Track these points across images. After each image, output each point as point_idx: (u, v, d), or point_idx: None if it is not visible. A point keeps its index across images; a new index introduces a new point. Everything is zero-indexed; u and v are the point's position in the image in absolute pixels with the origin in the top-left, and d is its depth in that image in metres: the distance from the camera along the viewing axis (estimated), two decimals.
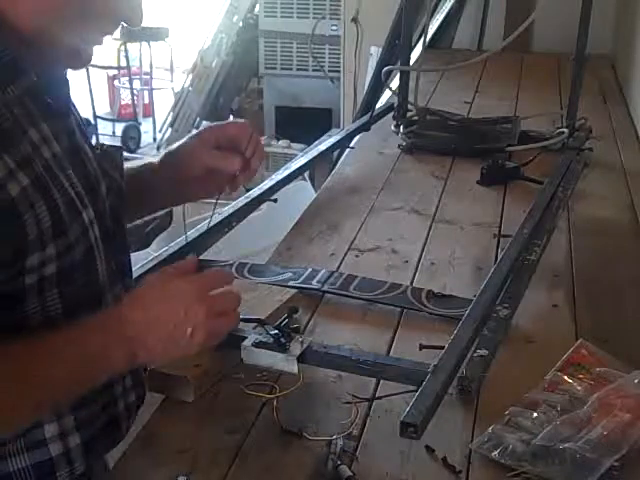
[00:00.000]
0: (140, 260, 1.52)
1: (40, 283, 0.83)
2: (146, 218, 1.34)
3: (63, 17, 0.81)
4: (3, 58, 0.80)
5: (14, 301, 0.83)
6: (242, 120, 1.26)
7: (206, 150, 1.14)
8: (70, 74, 0.93)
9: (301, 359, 1.11)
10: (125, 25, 0.88)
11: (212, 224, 1.66)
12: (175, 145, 1.17)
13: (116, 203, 0.98)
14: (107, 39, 0.90)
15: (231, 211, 1.75)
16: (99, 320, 0.87)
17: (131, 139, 6.34)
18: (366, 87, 3.91)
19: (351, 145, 2.50)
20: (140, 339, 0.86)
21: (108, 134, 6.59)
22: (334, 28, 5.26)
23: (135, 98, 6.64)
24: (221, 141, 1.14)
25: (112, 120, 6.71)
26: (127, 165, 1.15)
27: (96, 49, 0.89)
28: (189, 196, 1.23)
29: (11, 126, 0.80)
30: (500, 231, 1.81)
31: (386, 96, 3.14)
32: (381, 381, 1.16)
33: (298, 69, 6.08)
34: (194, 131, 1.22)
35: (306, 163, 2.22)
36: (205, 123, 6.57)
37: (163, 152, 1.18)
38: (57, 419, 0.88)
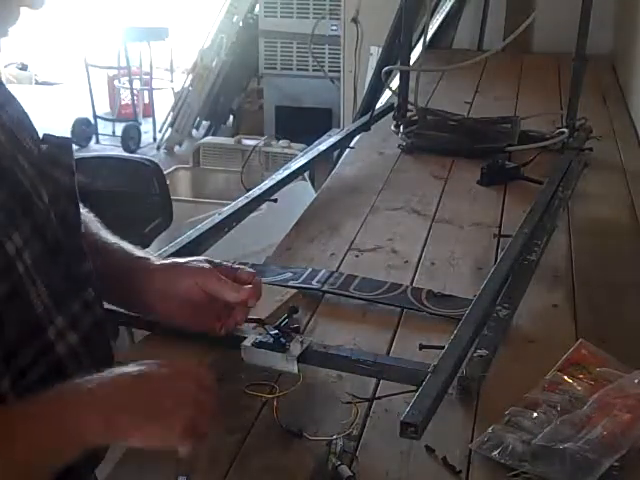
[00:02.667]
0: None
1: None
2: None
3: None
4: None
5: None
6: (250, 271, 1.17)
7: (212, 274, 1.10)
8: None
9: (301, 359, 1.11)
10: (28, 9, 0.81)
11: (212, 224, 1.66)
12: (175, 259, 1.15)
13: (67, 208, 0.91)
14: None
15: (231, 211, 1.75)
16: (74, 391, 0.79)
17: (131, 139, 6.35)
18: (366, 87, 3.92)
19: (351, 145, 2.50)
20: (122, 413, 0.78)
21: (108, 134, 6.60)
22: (334, 28, 5.26)
23: (135, 98, 6.64)
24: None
25: (112, 120, 6.71)
26: (122, 246, 1.11)
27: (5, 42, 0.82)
28: (168, 314, 1.12)
29: None
30: (500, 231, 1.81)
31: (386, 96, 3.14)
32: (381, 381, 1.16)
33: (298, 69, 6.08)
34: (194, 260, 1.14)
35: (306, 163, 2.22)
36: (205, 124, 6.58)
37: (162, 259, 1.14)
38: None
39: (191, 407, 0.82)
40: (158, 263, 1.12)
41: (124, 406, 0.79)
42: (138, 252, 1.14)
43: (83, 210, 1.07)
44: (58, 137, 0.94)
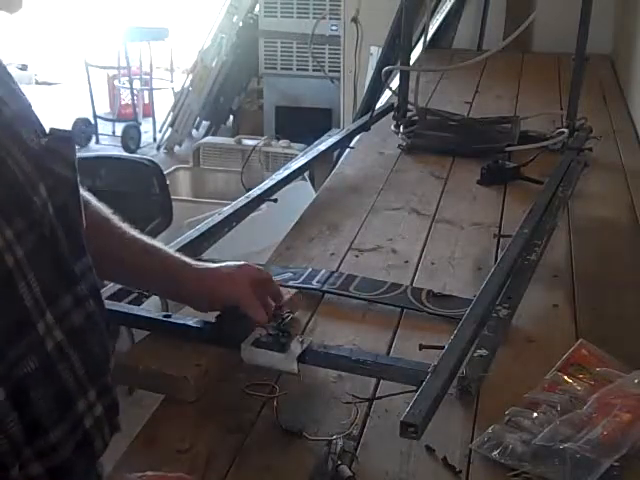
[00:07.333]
0: None
1: None
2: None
3: None
4: None
5: None
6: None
7: (246, 289, 1.19)
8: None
9: (301, 359, 1.11)
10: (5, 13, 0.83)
11: (212, 224, 1.66)
12: (217, 265, 1.22)
13: (67, 202, 0.90)
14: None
15: (231, 211, 1.75)
16: None
17: (131, 139, 6.34)
18: (366, 87, 3.92)
19: (351, 145, 2.49)
20: None
21: (108, 134, 6.59)
22: (334, 28, 5.25)
23: (135, 98, 6.64)
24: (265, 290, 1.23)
25: (112, 120, 6.70)
26: (160, 246, 1.21)
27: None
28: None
29: None
30: (500, 231, 1.81)
31: (386, 96, 3.14)
32: (381, 381, 1.16)
33: (298, 69, 6.08)
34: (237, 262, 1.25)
35: (306, 163, 2.22)
36: (205, 124, 6.58)
37: (202, 264, 1.23)
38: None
39: None
40: (198, 268, 1.21)
41: None
42: (174, 256, 1.22)
43: (103, 207, 1.16)
44: (60, 130, 0.93)
